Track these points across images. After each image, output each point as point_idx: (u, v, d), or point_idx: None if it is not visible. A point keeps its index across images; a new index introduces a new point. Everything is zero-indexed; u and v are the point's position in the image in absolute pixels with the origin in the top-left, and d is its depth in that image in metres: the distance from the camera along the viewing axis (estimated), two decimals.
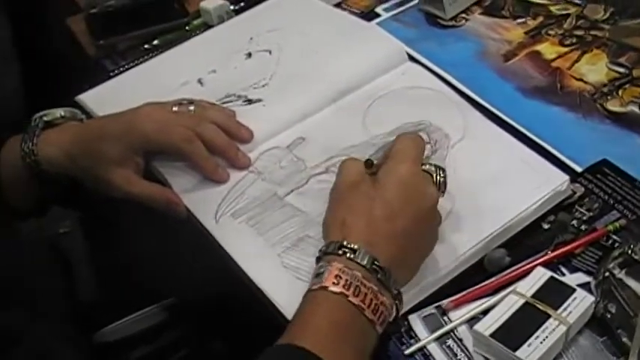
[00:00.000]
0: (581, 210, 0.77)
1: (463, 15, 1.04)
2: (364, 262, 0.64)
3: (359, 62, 0.93)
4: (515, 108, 0.88)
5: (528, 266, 0.72)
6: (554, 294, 0.67)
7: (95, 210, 0.97)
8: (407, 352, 0.68)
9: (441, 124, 0.85)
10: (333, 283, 0.63)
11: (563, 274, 0.72)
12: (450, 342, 0.69)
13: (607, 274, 0.69)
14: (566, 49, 0.96)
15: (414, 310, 0.71)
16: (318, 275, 0.65)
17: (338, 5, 1.09)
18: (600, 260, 0.72)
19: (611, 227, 0.75)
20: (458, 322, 0.70)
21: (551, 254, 0.73)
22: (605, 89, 0.90)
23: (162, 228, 0.90)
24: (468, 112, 0.87)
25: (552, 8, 1.03)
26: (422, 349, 0.68)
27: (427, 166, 0.71)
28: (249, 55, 0.99)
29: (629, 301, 0.67)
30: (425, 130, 0.85)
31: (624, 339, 0.65)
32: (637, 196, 0.77)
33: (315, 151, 0.85)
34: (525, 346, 0.64)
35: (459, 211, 0.76)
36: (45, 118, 0.86)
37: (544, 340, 0.64)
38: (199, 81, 0.96)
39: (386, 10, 1.07)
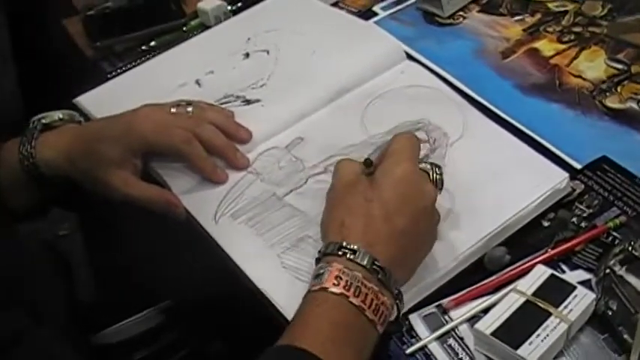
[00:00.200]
0: (581, 207, 0.77)
1: (461, 13, 1.04)
2: (364, 263, 0.64)
3: (357, 61, 0.93)
4: (513, 105, 0.88)
5: (529, 264, 0.72)
6: (555, 292, 0.67)
7: (94, 212, 0.97)
8: (408, 351, 0.68)
9: (440, 123, 0.85)
10: (334, 284, 0.63)
11: (564, 272, 0.72)
12: (451, 341, 0.69)
13: (607, 271, 0.69)
14: (564, 46, 0.96)
15: (414, 309, 0.71)
16: (318, 276, 0.64)
17: (335, 4, 1.09)
18: (601, 257, 0.72)
19: (611, 224, 0.74)
20: (459, 321, 0.69)
21: (551, 252, 0.73)
22: (604, 86, 0.90)
23: (161, 229, 0.90)
24: (467, 110, 0.87)
25: (550, 5, 1.03)
26: (423, 348, 0.68)
27: (423, 165, 0.71)
28: (247, 55, 0.99)
29: (630, 298, 0.67)
30: (424, 129, 0.85)
31: (625, 336, 0.65)
32: (637, 192, 0.77)
33: (313, 151, 0.85)
34: (527, 344, 0.64)
35: (459, 209, 0.76)
36: (43, 121, 0.86)
37: (545, 338, 0.64)
38: (197, 82, 0.96)
39: (383, 8, 1.07)
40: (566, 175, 0.78)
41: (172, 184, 0.83)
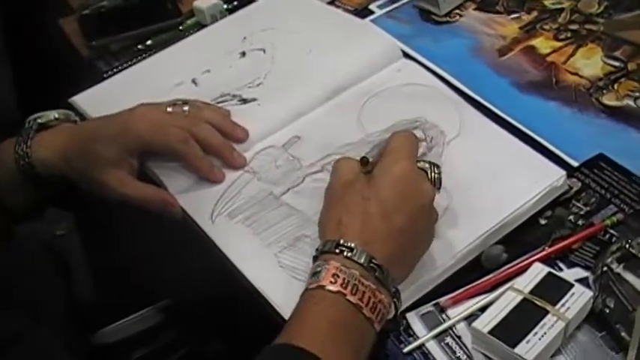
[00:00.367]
0: (578, 205, 0.77)
1: (457, 11, 1.04)
2: (362, 261, 0.64)
3: (353, 60, 0.93)
4: (510, 103, 0.88)
5: (526, 262, 0.72)
6: (552, 290, 0.67)
7: (91, 211, 0.97)
8: (405, 350, 0.68)
9: (437, 121, 0.85)
10: (331, 281, 0.63)
11: (561, 270, 0.72)
12: (448, 339, 0.69)
13: (605, 268, 0.69)
14: (560, 44, 0.96)
15: (411, 308, 0.71)
16: (315, 274, 0.64)
17: (331, 3, 1.09)
18: (598, 255, 0.72)
19: (608, 222, 0.74)
20: (456, 319, 0.69)
21: (548, 250, 0.73)
22: (601, 83, 0.90)
23: (158, 229, 0.90)
24: (464, 108, 0.87)
25: (546, 3, 1.03)
26: (420, 347, 0.68)
27: (422, 163, 0.71)
28: (244, 54, 0.98)
29: (628, 296, 0.67)
30: (420, 127, 0.85)
31: (623, 334, 0.65)
32: (634, 190, 0.77)
33: (310, 149, 0.85)
34: (524, 342, 0.64)
35: (456, 208, 0.76)
36: (39, 121, 0.86)
37: (543, 336, 0.64)
38: (193, 81, 0.96)
39: (380, 6, 1.07)
40: (563, 172, 0.78)
41: (169, 183, 0.83)
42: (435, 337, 0.69)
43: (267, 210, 0.79)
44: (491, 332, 0.65)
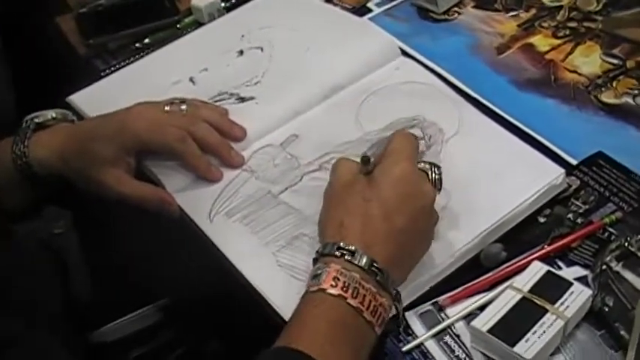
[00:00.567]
0: (577, 203, 0.77)
1: (455, 8, 1.04)
2: (362, 264, 0.63)
3: (351, 58, 0.93)
4: (509, 101, 0.88)
5: (525, 261, 0.72)
6: (552, 288, 0.67)
7: (89, 210, 0.97)
8: (404, 349, 0.68)
9: (435, 119, 0.85)
10: (331, 285, 0.62)
11: (560, 268, 0.72)
12: (447, 338, 0.68)
13: (604, 267, 0.69)
14: (559, 41, 0.96)
15: (410, 307, 0.70)
16: (315, 277, 0.64)
17: (329, 1, 1.08)
18: (597, 253, 0.72)
19: (607, 220, 0.74)
20: (455, 318, 0.69)
21: (547, 248, 0.73)
22: (599, 81, 0.90)
23: (156, 228, 0.90)
24: (462, 106, 0.87)
25: (545, 0, 1.03)
26: (419, 346, 0.68)
27: (422, 164, 0.71)
28: (241, 52, 0.98)
29: (627, 294, 0.67)
30: (419, 126, 0.85)
31: (622, 332, 0.65)
32: (632, 187, 0.77)
33: (308, 148, 0.85)
34: (523, 341, 0.63)
35: (454, 206, 0.75)
36: (36, 120, 0.85)
37: (542, 334, 0.64)
38: (191, 79, 0.95)
39: (378, 4, 1.07)
40: (562, 170, 0.78)
41: (166, 182, 0.83)
42: (434, 336, 0.69)
43: (265, 209, 0.79)
44: (490, 331, 0.65)
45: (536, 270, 0.69)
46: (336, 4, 1.08)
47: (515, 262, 0.72)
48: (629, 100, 0.87)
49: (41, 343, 0.69)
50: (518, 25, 0.99)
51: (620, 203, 0.76)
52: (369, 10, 1.06)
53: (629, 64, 0.91)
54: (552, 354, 0.65)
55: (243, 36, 1.00)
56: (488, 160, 0.79)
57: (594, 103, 0.87)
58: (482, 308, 0.68)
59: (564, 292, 0.67)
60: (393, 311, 0.67)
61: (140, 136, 0.81)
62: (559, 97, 0.89)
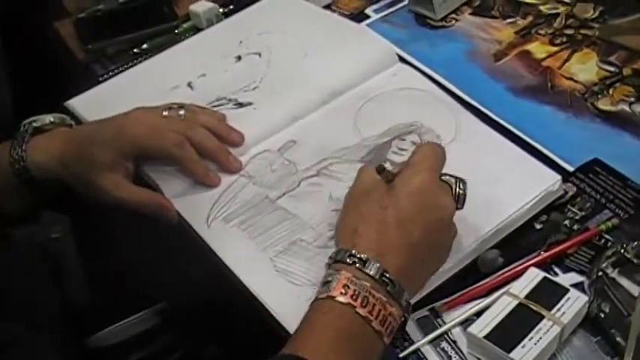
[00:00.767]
0: (574, 210, 0.77)
1: (453, 15, 1.04)
2: (373, 273, 0.63)
3: (349, 64, 0.93)
4: (506, 108, 0.88)
5: (521, 267, 0.72)
6: (548, 294, 0.67)
7: (86, 215, 0.97)
8: (401, 355, 0.68)
9: (433, 126, 0.85)
10: (341, 292, 0.62)
11: (557, 275, 0.72)
12: (444, 344, 0.69)
13: (600, 273, 0.69)
14: (556, 49, 0.96)
15: None
16: (325, 284, 0.64)
17: (328, 7, 1.09)
18: (593, 260, 0.72)
19: (603, 227, 0.75)
20: (452, 324, 0.69)
21: (544, 254, 0.73)
22: (596, 88, 0.90)
23: (154, 233, 0.90)
24: (460, 112, 0.87)
25: (542, 7, 1.03)
26: (416, 351, 0.68)
27: (447, 177, 0.70)
28: (239, 58, 0.98)
29: (623, 301, 0.67)
30: (416, 132, 0.85)
31: (618, 338, 0.65)
32: (629, 194, 0.77)
33: (306, 154, 0.85)
34: (519, 347, 0.64)
35: None
36: (34, 124, 0.85)
37: (538, 341, 0.64)
38: (189, 85, 0.96)
39: (376, 11, 1.07)
40: (559, 177, 0.78)
41: (164, 187, 0.83)
42: (431, 341, 0.69)
43: (262, 214, 0.79)
44: (486, 337, 0.65)
45: (533, 276, 0.69)
46: (334, 10, 1.08)
47: (512, 269, 0.72)
48: (626, 107, 0.87)
49: (39, 347, 0.69)
50: (516, 32, 1.00)
51: (617, 210, 0.76)
52: (367, 17, 1.07)
53: (626, 71, 0.92)
54: None
55: (241, 42, 1.00)
56: (485, 166, 0.80)
57: (591, 110, 0.88)
58: (478, 314, 0.68)
59: (561, 299, 0.67)
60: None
61: (138, 141, 0.81)
62: (556, 104, 0.89)
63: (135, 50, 1.07)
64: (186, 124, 0.83)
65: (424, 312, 0.70)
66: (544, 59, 0.95)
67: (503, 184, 0.77)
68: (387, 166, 0.69)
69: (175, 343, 0.98)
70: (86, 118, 0.92)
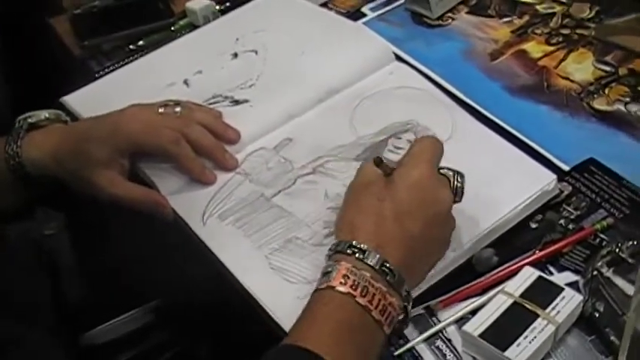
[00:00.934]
0: (569, 209, 0.77)
1: (449, 14, 1.04)
2: (373, 263, 0.63)
3: (346, 62, 0.93)
4: (502, 107, 0.89)
5: (516, 266, 0.72)
6: (543, 293, 0.67)
7: (82, 212, 0.96)
8: (396, 353, 0.68)
9: (429, 124, 0.85)
10: (341, 282, 0.62)
11: (552, 274, 0.72)
12: (438, 342, 0.69)
13: (595, 272, 0.69)
14: (552, 48, 0.97)
15: None
16: (325, 274, 0.64)
17: (324, 5, 1.09)
18: (588, 259, 0.72)
19: (598, 226, 0.75)
20: (446, 322, 0.70)
21: (539, 253, 0.73)
22: (592, 88, 0.90)
23: (149, 230, 0.89)
24: (456, 111, 0.87)
25: (538, 7, 1.03)
26: (411, 349, 0.68)
27: (445, 171, 0.70)
28: (236, 55, 0.98)
29: (617, 300, 0.67)
30: (412, 130, 0.85)
31: (612, 338, 0.65)
32: (624, 194, 0.77)
33: (302, 151, 0.85)
34: (514, 346, 0.64)
35: None
36: (29, 120, 0.85)
37: (533, 339, 0.64)
38: (185, 82, 0.95)
39: (372, 9, 1.07)
40: (554, 176, 0.78)
41: (160, 184, 0.83)
42: (426, 340, 0.69)
43: (258, 212, 0.79)
44: (481, 335, 0.65)
45: (528, 275, 0.69)
46: (330, 9, 1.08)
47: (507, 267, 0.73)
48: (621, 107, 0.88)
49: (34, 345, 0.69)
50: (512, 32, 1.00)
51: (612, 209, 0.76)
52: (364, 15, 1.07)
53: (622, 71, 0.92)
54: (543, 359, 0.66)
55: (237, 39, 1.00)
56: (480, 165, 0.80)
57: (586, 109, 0.88)
58: (473, 313, 0.69)
59: (555, 298, 0.67)
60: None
61: (134, 137, 0.81)
62: (552, 103, 0.89)
63: (131, 47, 1.07)
64: (182, 121, 0.83)
65: (419, 310, 0.70)
66: (540, 59, 0.95)
67: (498, 183, 0.78)
68: (384, 159, 0.69)
69: (170, 341, 0.98)
70: (82, 115, 0.92)
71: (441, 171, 0.70)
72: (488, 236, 0.74)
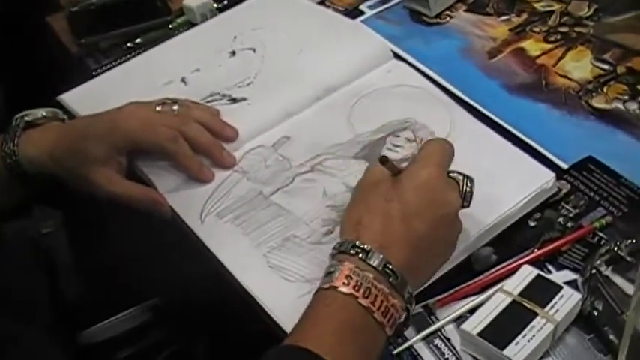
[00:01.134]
0: (567, 207, 0.77)
1: (448, 12, 1.04)
2: (376, 264, 0.63)
3: (344, 60, 0.93)
4: (500, 105, 0.88)
5: (515, 264, 0.72)
6: (541, 292, 0.67)
7: (79, 210, 0.96)
8: (394, 352, 0.68)
9: (427, 122, 0.85)
10: (344, 283, 0.62)
11: (550, 272, 0.72)
12: (437, 341, 0.69)
13: (593, 271, 0.69)
14: (550, 46, 0.96)
15: None
16: (329, 274, 0.64)
17: (322, 3, 1.09)
18: (587, 257, 0.72)
19: (597, 224, 0.75)
20: (445, 321, 0.69)
21: (537, 252, 0.73)
22: (590, 86, 0.90)
23: (147, 228, 0.89)
24: (454, 109, 0.87)
25: (536, 5, 1.03)
26: (409, 348, 0.68)
27: (455, 174, 0.70)
28: (233, 53, 0.98)
29: (616, 298, 0.67)
30: (410, 128, 0.85)
31: (611, 336, 0.65)
32: (622, 192, 0.77)
33: (300, 149, 0.85)
34: (513, 344, 0.64)
35: None
36: (26, 119, 0.85)
37: (531, 338, 0.64)
38: (183, 80, 0.95)
39: (370, 7, 1.07)
40: (553, 175, 0.78)
41: (158, 182, 0.83)
42: (424, 338, 0.69)
43: (256, 210, 0.79)
44: (480, 334, 0.65)
45: (527, 273, 0.69)
46: (328, 7, 1.08)
47: (506, 266, 0.72)
48: (620, 105, 0.87)
49: (32, 343, 0.69)
50: (510, 30, 1.00)
51: (610, 208, 0.76)
52: (362, 13, 1.06)
53: (620, 69, 0.92)
54: (542, 357, 0.66)
55: (235, 37, 1.00)
56: (479, 163, 0.79)
57: (585, 107, 0.88)
58: (472, 311, 0.69)
59: (554, 296, 0.67)
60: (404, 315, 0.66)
61: (131, 135, 0.81)
62: (550, 101, 0.89)
63: (128, 45, 1.06)
64: (180, 119, 0.83)
65: (418, 309, 0.70)
66: (538, 57, 0.95)
67: (497, 181, 0.77)
68: (388, 158, 0.68)
69: (168, 339, 0.97)
70: (79, 113, 0.92)
71: (451, 174, 0.70)
72: (487, 234, 0.74)
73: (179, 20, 1.09)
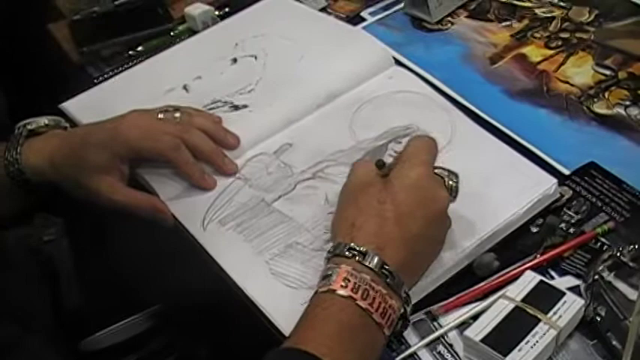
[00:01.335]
0: (570, 213, 0.77)
1: (449, 18, 1.04)
2: (373, 265, 0.63)
3: (345, 67, 0.93)
4: (502, 111, 0.89)
5: (517, 270, 0.72)
6: (544, 298, 0.67)
7: (81, 217, 0.96)
8: (397, 358, 0.68)
9: (429, 128, 0.85)
10: (341, 285, 0.62)
11: (553, 278, 0.72)
12: (440, 348, 0.68)
13: (596, 277, 0.69)
14: (551, 52, 0.97)
15: None
16: (325, 277, 0.64)
17: (323, 10, 1.09)
18: (589, 263, 0.72)
19: (599, 230, 0.74)
20: (448, 327, 0.69)
21: (540, 258, 0.73)
22: (592, 91, 0.90)
23: (149, 236, 0.89)
24: (455, 115, 0.87)
25: (537, 11, 1.03)
26: (412, 355, 0.68)
27: (439, 170, 0.71)
28: (235, 60, 0.98)
29: (619, 304, 0.67)
30: (412, 135, 0.85)
31: (614, 342, 0.65)
32: (624, 198, 0.77)
33: (302, 156, 0.85)
34: (516, 350, 0.64)
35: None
36: (29, 127, 0.85)
37: (534, 344, 0.64)
38: (185, 87, 0.95)
39: (371, 14, 1.07)
40: (555, 180, 0.78)
41: (160, 190, 0.83)
42: (427, 345, 0.69)
43: (258, 217, 0.79)
44: (483, 340, 0.65)
45: (529, 279, 0.69)
46: (330, 13, 1.08)
47: (508, 272, 0.72)
48: (621, 110, 0.87)
49: (34, 352, 0.69)
50: (511, 36, 1.00)
51: (612, 213, 0.76)
52: (363, 20, 1.07)
53: (621, 74, 0.92)
54: None
55: (237, 44, 1.00)
56: (481, 169, 0.80)
57: (586, 113, 0.88)
58: (475, 317, 0.68)
59: (557, 302, 0.67)
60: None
61: (133, 143, 0.81)
62: (551, 107, 0.89)
63: (130, 52, 1.07)
64: (182, 126, 0.83)
65: (420, 315, 0.70)
66: (540, 62, 0.95)
67: (499, 187, 0.77)
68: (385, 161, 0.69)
69: (170, 346, 0.97)
70: (81, 121, 0.92)
71: (436, 171, 0.71)
72: (489, 241, 0.74)
73: (181, 28, 1.09)
